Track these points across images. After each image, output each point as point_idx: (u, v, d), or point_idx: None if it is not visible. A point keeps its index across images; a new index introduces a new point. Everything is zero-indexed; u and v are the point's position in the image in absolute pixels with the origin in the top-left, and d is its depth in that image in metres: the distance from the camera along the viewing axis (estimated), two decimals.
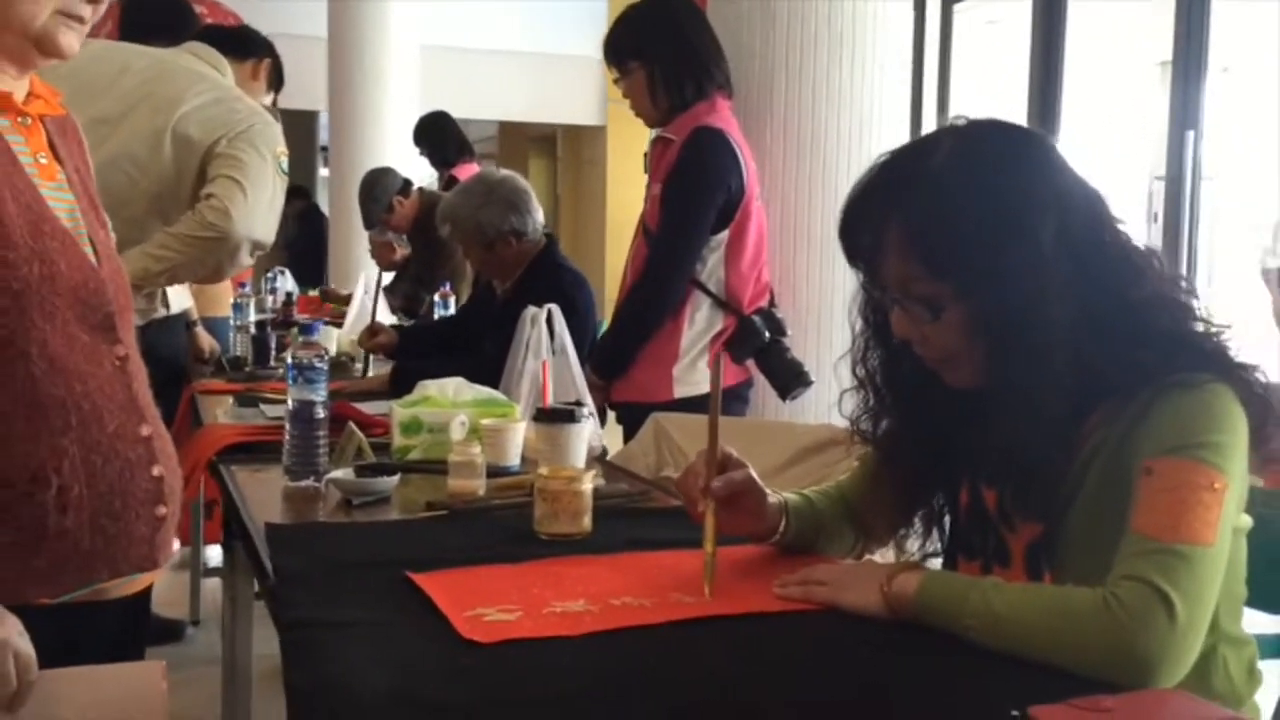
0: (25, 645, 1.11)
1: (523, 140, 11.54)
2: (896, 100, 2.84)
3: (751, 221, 2.57)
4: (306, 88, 8.08)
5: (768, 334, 2.58)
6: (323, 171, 10.67)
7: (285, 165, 2.69)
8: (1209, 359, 1.22)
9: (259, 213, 2.59)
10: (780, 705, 1.03)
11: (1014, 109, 4.46)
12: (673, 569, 1.41)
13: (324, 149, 9.42)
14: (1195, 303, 1.28)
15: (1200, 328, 1.26)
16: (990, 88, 5.97)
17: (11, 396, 1.21)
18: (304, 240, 10.63)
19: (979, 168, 1.22)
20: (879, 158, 1.30)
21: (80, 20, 1.26)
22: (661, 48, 2.60)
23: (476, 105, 9.66)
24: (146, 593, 1.42)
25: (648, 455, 2.26)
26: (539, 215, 3.10)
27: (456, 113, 10.84)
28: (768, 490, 1.45)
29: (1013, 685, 1.07)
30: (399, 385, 2.75)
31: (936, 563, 1.41)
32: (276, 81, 3.11)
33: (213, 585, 3.66)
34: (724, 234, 2.55)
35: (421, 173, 6.50)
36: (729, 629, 1.22)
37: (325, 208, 9.67)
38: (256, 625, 2.31)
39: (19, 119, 1.29)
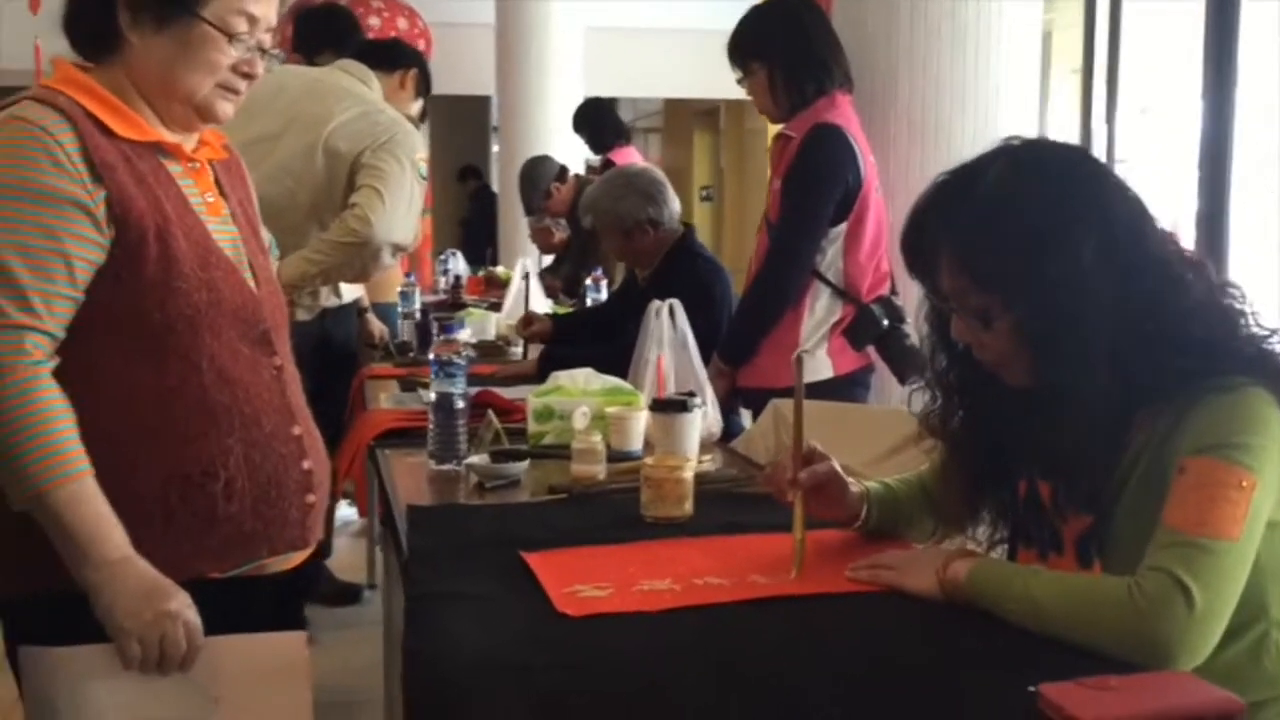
0: (193, 616, 1.35)
1: (687, 115, 11.69)
2: (1020, 90, 2.86)
3: (870, 213, 2.66)
4: (478, 73, 8.44)
5: (886, 321, 2.67)
6: (495, 148, 11.06)
7: (424, 170, 2.94)
8: (1249, 364, 1.29)
9: (397, 218, 2.84)
10: (821, 678, 1.17)
11: (1188, 95, 4.36)
12: (757, 552, 1.55)
13: (496, 129, 9.78)
14: (1245, 308, 1.34)
15: (1247, 333, 1.32)
16: (1163, 72, 5.80)
17: (187, 403, 1.44)
18: (478, 218, 11.07)
19: (1023, 188, 1.32)
20: (938, 176, 1.41)
21: (236, 92, 1.48)
22: (782, 48, 2.71)
23: (640, 83, 9.87)
24: (300, 568, 1.64)
25: (767, 439, 2.39)
26: (675, 205, 3.26)
27: (621, 91, 11.04)
28: (849, 480, 1.57)
29: (1040, 665, 1.18)
30: (545, 371, 2.96)
31: (1004, 550, 1.51)
32: (424, 89, 3.36)
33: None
34: (842, 226, 2.65)
35: (582, 156, 6.73)
36: (795, 608, 1.36)
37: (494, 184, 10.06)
38: None
39: (189, 164, 1.53)
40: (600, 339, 3.33)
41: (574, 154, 6.62)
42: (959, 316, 1.38)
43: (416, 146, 2.94)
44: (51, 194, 1.34)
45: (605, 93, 10.26)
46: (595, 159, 6.25)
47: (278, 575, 1.57)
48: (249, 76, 1.48)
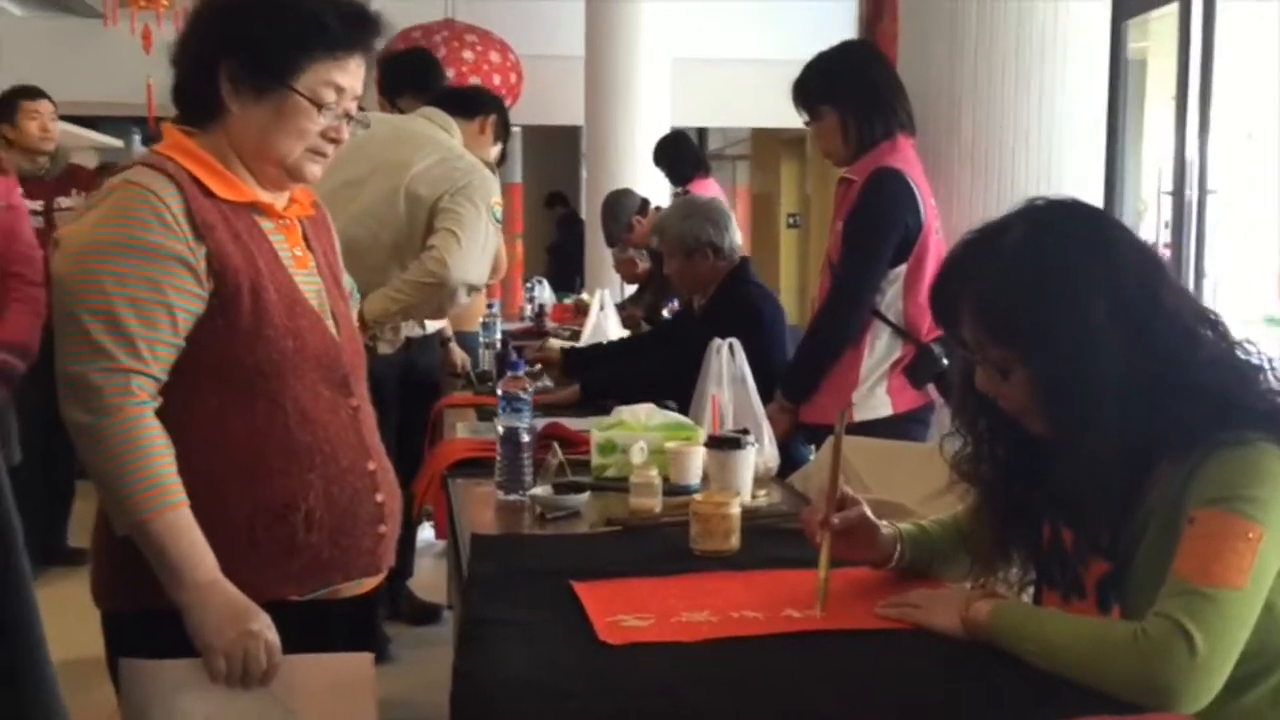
0: (273, 636, 1.48)
1: (774, 143, 11.75)
2: (1085, 129, 2.90)
3: (930, 254, 2.72)
4: (568, 104, 8.62)
5: (946, 360, 2.72)
6: (585, 172, 11.26)
7: (499, 214, 3.08)
8: (1261, 419, 1.34)
9: (472, 260, 2.99)
10: (846, 710, 1.25)
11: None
12: (795, 586, 1.63)
13: (585, 156, 9.97)
14: (1261, 363, 1.39)
15: (1262, 388, 1.37)
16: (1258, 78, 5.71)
17: (272, 441, 1.58)
18: (565, 244, 11.25)
19: (1040, 249, 1.39)
20: (966, 234, 1.48)
21: (324, 155, 1.62)
22: (852, 92, 2.79)
23: (727, 113, 9.96)
24: (373, 593, 1.77)
25: (823, 475, 2.46)
26: (737, 236, 3.37)
27: (707, 121, 11.13)
28: (880, 523, 1.65)
29: (1053, 704, 1.24)
30: (588, 397, 3.16)
31: (1032, 591, 1.57)
32: (503, 134, 3.50)
33: None
34: (902, 267, 2.72)
35: (667, 187, 6.85)
36: (824, 643, 1.44)
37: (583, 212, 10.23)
38: None
39: (280, 221, 1.67)
40: (627, 359, 3.48)
41: (659, 183, 6.75)
42: (981, 367, 1.45)
43: (492, 191, 3.08)
44: (158, 251, 1.50)
45: (692, 123, 10.41)
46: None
47: (352, 599, 1.71)
48: (336, 141, 1.63)
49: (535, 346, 3.76)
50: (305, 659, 1.50)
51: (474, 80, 8.09)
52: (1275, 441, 1.32)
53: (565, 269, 9.56)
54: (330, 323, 1.68)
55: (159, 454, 1.46)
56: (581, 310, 6.21)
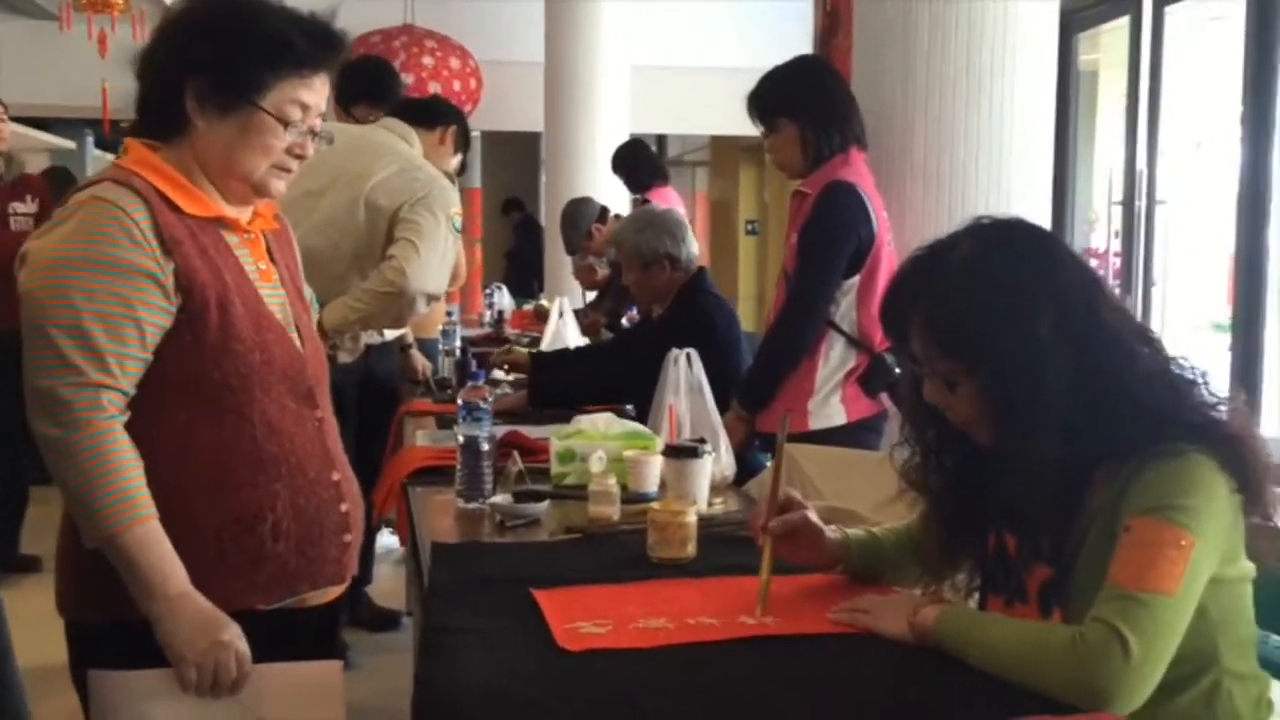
0: (243, 645, 1.50)
1: (733, 151, 11.83)
2: (1035, 143, 2.96)
3: (882, 266, 2.78)
4: (527, 110, 8.64)
5: (898, 370, 2.78)
6: (544, 177, 11.27)
7: (458, 224, 3.12)
8: (1196, 431, 1.40)
9: (431, 270, 3.02)
10: (800, 711, 1.29)
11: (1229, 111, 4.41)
12: (749, 593, 1.66)
13: (545, 162, 9.99)
14: (1196, 379, 1.45)
15: (1195, 402, 1.43)
16: (1207, 89, 5.84)
17: (240, 453, 1.61)
18: (523, 250, 11.25)
19: (986, 267, 1.44)
20: (914, 251, 1.53)
21: (289, 171, 1.65)
22: (810, 105, 2.84)
23: (686, 120, 10.02)
24: (337, 600, 1.80)
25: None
26: (694, 247, 3.41)
27: (667, 128, 11.15)
28: (827, 528, 1.69)
29: (994, 705, 1.29)
30: (536, 400, 3.20)
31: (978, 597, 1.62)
32: (463, 144, 3.53)
33: None
34: (855, 278, 2.77)
35: (626, 194, 6.90)
36: (777, 648, 1.48)
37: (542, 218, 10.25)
38: None
39: (245, 235, 1.69)
40: (589, 359, 3.52)
41: (619, 190, 6.79)
42: (929, 379, 1.50)
43: (452, 201, 3.11)
44: (127, 267, 1.51)
45: (651, 130, 10.45)
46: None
47: (317, 607, 1.74)
48: (301, 157, 1.65)
49: (499, 352, 3.78)
50: (274, 668, 1.52)
51: (434, 86, 8.11)
52: (1208, 453, 1.37)
53: (524, 274, 9.59)
54: (295, 335, 1.70)
55: (128, 468, 1.48)
56: (541, 316, 6.23)
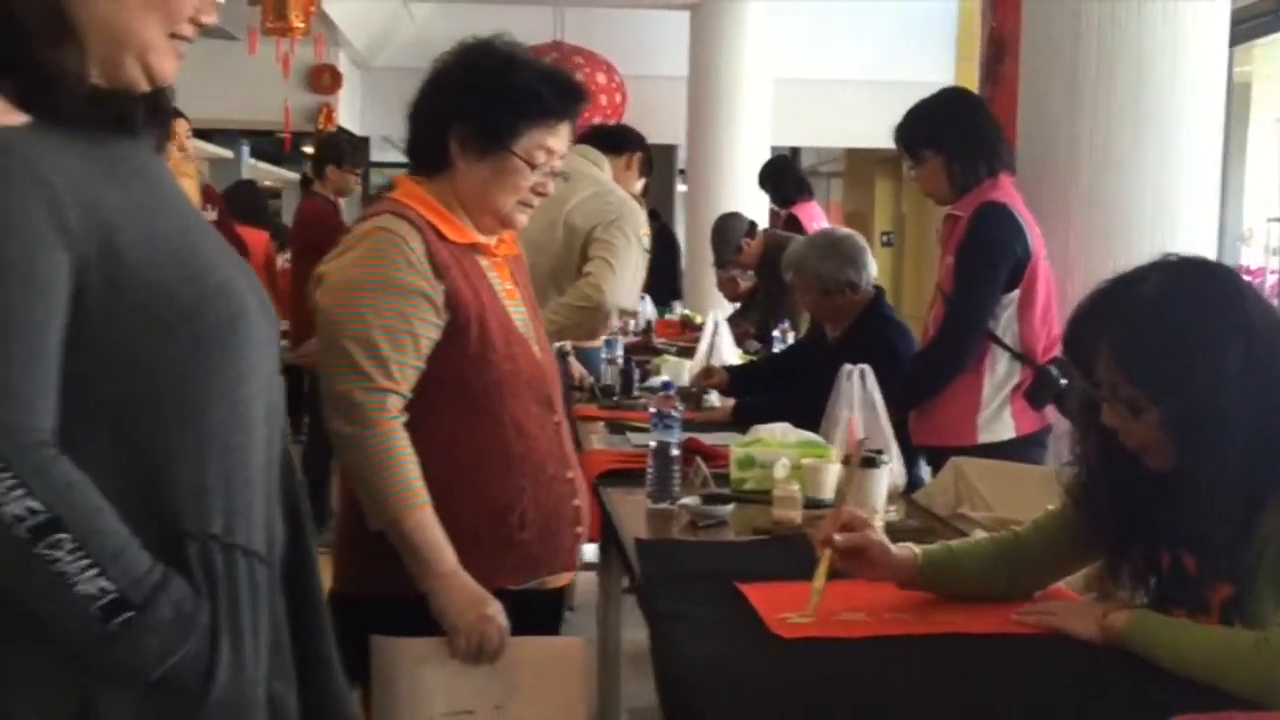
0: (504, 620, 1.73)
1: (868, 162, 11.89)
2: (1198, 162, 3.02)
3: (1039, 281, 2.88)
4: (668, 122, 8.85)
5: (1064, 381, 2.87)
6: (680, 188, 11.45)
7: (647, 243, 3.31)
8: None
9: (624, 286, 3.24)
10: (988, 703, 1.43)
11: None
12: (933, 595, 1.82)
13: (682, 171, 10.18)
14: None
15: None
16: None
17: (493, 453, 1.83)
18: (659, 259, 11.43)
19: (1177, 301, 1.55)
20: (1101, 284, 1.66)
21: (532, 206, 1.86)
22: (955, 137, 2.96)
23: (825, 133, 10.12)
24: (566, 586, 2.01)
25: (946, 494, 2.63)
26: (873, 270, 3.52)
27: (806, 141, 11.21)
28: (896, 545, 1.79)
29: (1181, 702, 1.41)
30: (742, 418, 3.29)
31: None
32: (646, 169, 3.74)
33: (585, 578, 4.32)
34: (1014, 293, 2.87)
35: (766, 205, 7.04)
36: (969, 644, 1.62)
37: (679, 227, 10.44)
38: (624, 614, 2.90)
39: (493, 259, 1.92)
40: (783, 386, 3.63)
41: (759, 199, 6.93)
42: (1110, 404, 1.62)
43: (641, 223, 3.32)
44: (407, 288, 1.76)
45: (791, 142, 10.55)
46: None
47: (551, 590, 1.96)
48: (543, 195, 1.87)
49: (698, 373, 3.97)
50: (527, 640, 1.74)
51: None
52: None
53: (661, 283, 9.78)
54: (535, 347, 1.91)
55: (408, 461, 1.71)
56: (688, 326, 6.42)
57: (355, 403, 1.70)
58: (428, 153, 1.85)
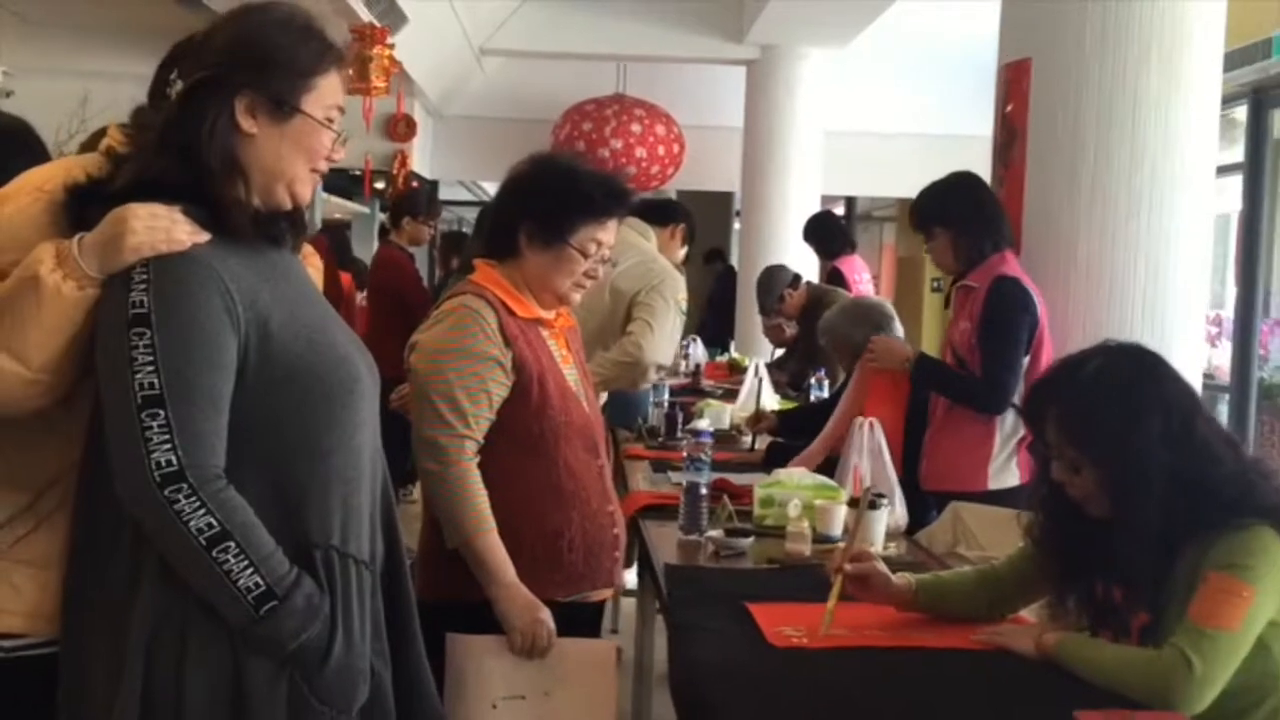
0: (552, 623, 2.13)
1: None
2: (1192, 252, 3.35)
3: (1044, 346, 3.23)
4: (724, 170, 9.24)
5: None
6: (737, 226, 11.80)
7: (684, 307, 3.72)
8: (1265, 511, 1.84)
9: (662, 345, 3.68)
10: (941, 695, 1.79)
11: None
12: (906, 615, 2.16)
13: (738, 213, 10.55)
14: (1270, 477, 1.89)
15: (1268, 489, 1.87)
16: None
17: (548, 489, 2.24)
18: (720, 296, 11.81)
19: (1112, 382, 1.91)
20: (1054, 362, 2.02)
21: (583, 287, 2.27)
22: (962, 216, 3.34)
23: (877, 183, 10.44)
24: (603, 602, 2.43)
25: (945, 535, 2.97)
26: (899, 334, 3.89)
27: (856, 190, 11.46)
28: (895, 575, 2.15)
29: (1087, 702, 1.76)
30: (772, 459, 3.65)
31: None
32: (689, 239, 4.16)
33: (628, 603, 4.68)
34: (1025, 358, 3.23)
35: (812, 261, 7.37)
36: (929, 656, 1.98)
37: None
38: (658, 635, 3.26)
39: (551, 330, 2.34)
40: (818, 432, 3.99)
41: (808, 248, 7.23)
42: (1058, 462, 1.97)
43: (679, 289, 3.74)
44: (484, 355, 2.18)
45: (841, 191, 10.85)
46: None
47: (593, 603, 2.37)
48: (593, 279, 2.29)
49: (748, 418, 4.31)
50: (570, 641, 2.14)
51: (640, 151, 8.80)
52: (1272, 526, 1.81)
53: (721, 321, 10.09)
54: (584, 403, 2.31)
55: (480, 494, 2.13)
56: (735, 368, 6.78)
57: (440, 447, 2.13)
58: (502, 242, 2.28)
